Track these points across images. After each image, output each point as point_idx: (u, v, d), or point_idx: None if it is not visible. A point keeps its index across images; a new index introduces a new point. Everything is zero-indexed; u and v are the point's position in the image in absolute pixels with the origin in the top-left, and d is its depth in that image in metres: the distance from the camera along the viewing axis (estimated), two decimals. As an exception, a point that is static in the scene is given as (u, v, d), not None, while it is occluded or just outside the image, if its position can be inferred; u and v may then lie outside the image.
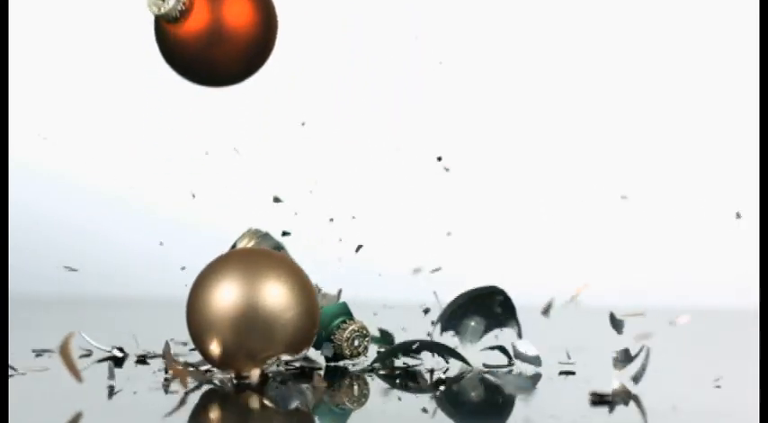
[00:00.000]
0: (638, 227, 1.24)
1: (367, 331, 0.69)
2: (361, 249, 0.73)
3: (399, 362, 0.69)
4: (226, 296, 0.61)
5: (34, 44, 1.23)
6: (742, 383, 0.65)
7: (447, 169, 0.81)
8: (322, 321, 0.67)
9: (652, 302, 1.19)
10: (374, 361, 0.69)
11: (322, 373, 0.66)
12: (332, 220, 0.78)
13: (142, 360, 0.70)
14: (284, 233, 0.65)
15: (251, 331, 0.61)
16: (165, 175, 1.23)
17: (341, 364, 0.69)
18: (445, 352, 0.69)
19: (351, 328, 0.68)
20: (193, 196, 0.84)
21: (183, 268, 0.85)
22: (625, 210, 1.24)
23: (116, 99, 1.23)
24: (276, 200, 0.68)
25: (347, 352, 0.68)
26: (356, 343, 0.68)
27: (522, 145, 1.24)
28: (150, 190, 1.23)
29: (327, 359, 0.69)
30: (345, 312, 0.68)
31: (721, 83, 1.25)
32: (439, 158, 0.81)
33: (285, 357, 0.62)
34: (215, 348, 0.61)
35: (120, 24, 1.23)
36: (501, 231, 1.24)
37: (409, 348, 0.69)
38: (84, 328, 0.77)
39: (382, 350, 0.72)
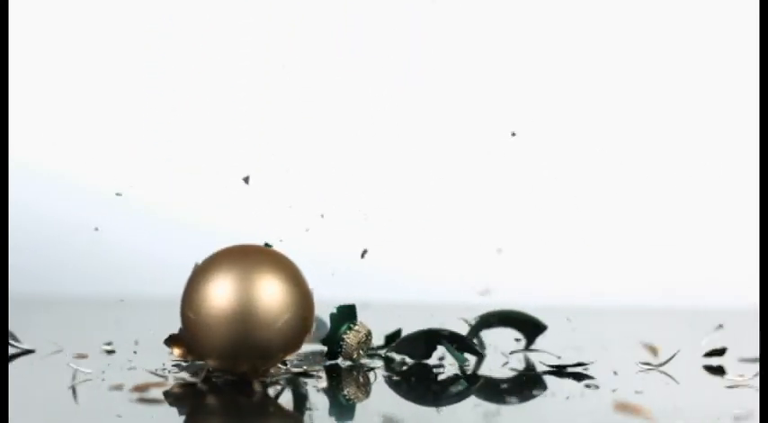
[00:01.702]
0: (638, 227, 1.24)
1: (371, 336, 0.69)
2: (366, 254, 0.73)
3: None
4: (220, 305, 0.60)
5: (34, 44, 1.23)
6: (742, 383, 0.65)
7: (514, 134, 0.81)
8: (332, 324, 0.68)
9: (652, 302, 1.19)
10: (391, 350, 0.70)
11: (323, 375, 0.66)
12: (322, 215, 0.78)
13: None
14: (266, 245, 0.64)
15: (249, 350, 0.60)
16: (165, 175, 1.23)
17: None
18: (461, 344, 0.70)
19: (362, 332, 0.69)
20: (119, 195, 0.84)
21: (122, 300, 0.85)
22: (625, 210, 1.24)
23: (116, 99, 1.23)
24: (245, 180, 0.67)
25: (354, 355, 0.69)
26: (363, 348, 0.69)
27: (520, 144, 1.24)
28: (150, 190, 1.23)
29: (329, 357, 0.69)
30: (353, 315, 0.69)
31: (721, 84, 1.25)
32: (513, 134, 0.82)
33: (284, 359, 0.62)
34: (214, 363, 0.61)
35: (119, 24, 1.23)
36: (497, 232, 1.24)
37: (430, 338, 0.70)
38: (84, 327, 0.77)
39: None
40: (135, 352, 0.73)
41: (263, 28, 1.23)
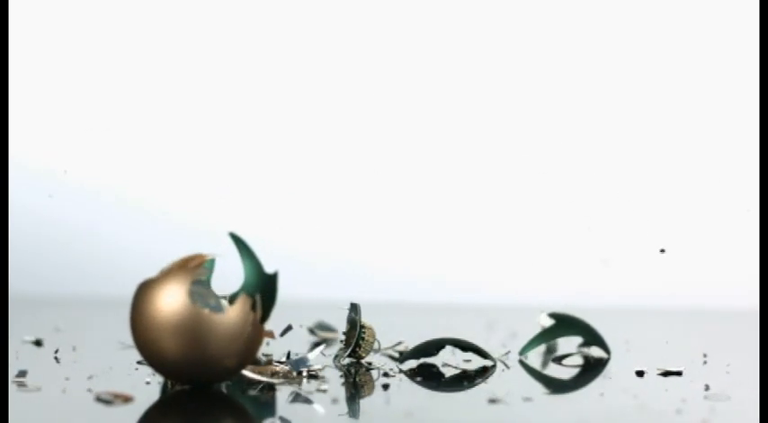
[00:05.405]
0: (638, 227, 1.24)
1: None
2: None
3: None
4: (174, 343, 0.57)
5: (34, 44, 1.23)
6: (742, 383, 0.65)
7: (663, 250, 0.84)
8: (355, 324, 0.70)
9: (652, 302, 1.19)
10: (402, 359, 0.70)
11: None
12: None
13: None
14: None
15: (214, 373, 0.59)
16: (165, 176, 1.23)
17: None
18: (469, 348, 0.71)
19: (372, 330, 0.70)
20: (65, 171, 0.84)
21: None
22: (625, 210, 1.24)
23: (116, 99, 1.23)
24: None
25: (369, 351, 0.70)
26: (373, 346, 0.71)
27: (518, 142, 1.24)
28: (151, 190, 1.23)
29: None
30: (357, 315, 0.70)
31: (723, 85, 1.25)
32: (662, 251, 0.84)
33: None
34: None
35: (118, 25, 1.24)
36: (490, 232, 1.24)
37: (437, 346, 0.71)
38: (83, 327, 0.77)
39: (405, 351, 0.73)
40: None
41: (261, 29, 1.23)
